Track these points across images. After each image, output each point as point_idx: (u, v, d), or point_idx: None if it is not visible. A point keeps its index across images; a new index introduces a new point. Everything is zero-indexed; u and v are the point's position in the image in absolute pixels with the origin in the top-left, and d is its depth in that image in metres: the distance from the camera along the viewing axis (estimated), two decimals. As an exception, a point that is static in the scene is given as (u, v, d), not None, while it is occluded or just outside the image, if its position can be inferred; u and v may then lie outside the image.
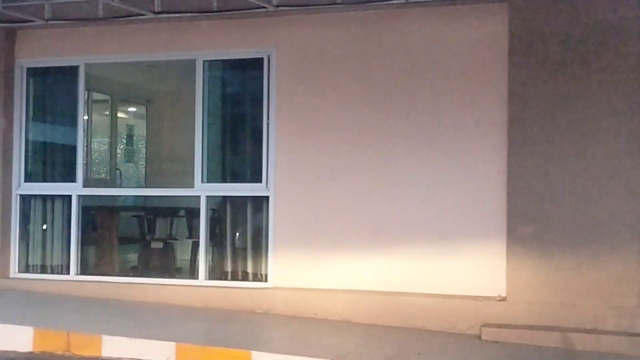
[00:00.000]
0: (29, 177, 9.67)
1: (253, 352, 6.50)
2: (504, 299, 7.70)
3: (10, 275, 9.47)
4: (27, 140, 9.67)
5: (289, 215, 8.58)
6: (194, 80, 9.04)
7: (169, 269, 9.91)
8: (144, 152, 13.20)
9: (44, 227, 9.59)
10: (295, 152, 8.60)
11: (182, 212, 10.31)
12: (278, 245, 8.60)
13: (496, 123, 7.86)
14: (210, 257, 8.99)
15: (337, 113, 8.45)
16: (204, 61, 8.96)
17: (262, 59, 8.73)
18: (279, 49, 8.66)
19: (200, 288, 8.81)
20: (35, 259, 9.59)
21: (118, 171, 12.26)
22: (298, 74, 8.63)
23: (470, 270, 7.89)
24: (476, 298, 7.80)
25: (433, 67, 8.14)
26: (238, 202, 9.01)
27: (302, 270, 8.48)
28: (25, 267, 9.58)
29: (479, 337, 7.47)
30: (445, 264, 7.98)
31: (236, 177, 9.28)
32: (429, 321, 7.81)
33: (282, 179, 8.63)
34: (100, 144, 11.91)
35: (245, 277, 8.84)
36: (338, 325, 7.92)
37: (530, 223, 7.59)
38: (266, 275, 8.67)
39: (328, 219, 8.44)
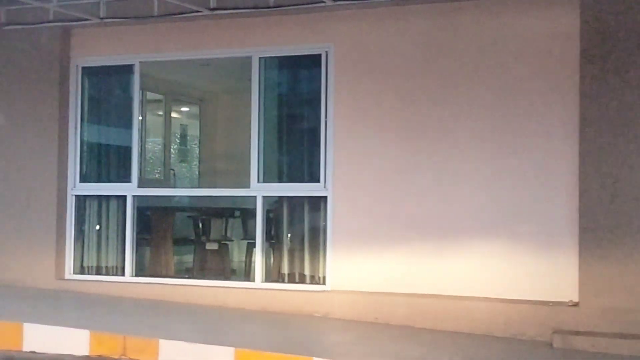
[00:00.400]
0: (84, 178, 9.57)
1: (315, 358, 6.24)
2: (576, 305, 7.32)
3: (66, 277, 9.38)
4: (82, 141, 9.57)
5: (347, 215, 8.32)
6: (250, 78, 8.84)
7: (224, 271, 9.74)
8: (197, 152, 13.09)
9: (98, 227, 9.48)
10: (354, 151, 8.33)
11: (237, 213, 10.13)
12: (336, 247, 8.33)
13: (566, 120, 7.49)
14: (267, 259, 8.77)
15: (398, 110, 8.16)
16: (260, 58, 8.76)
17: (319, 55, 8.48)
18: (338, 45, 8.41)
19: (256, 291, 8.60)
20: (90, 260, 9.49)
21: (172, 171, 12.16)
22: (357, 70, 8.36)
23: (539, 274, 7.52)
24: (546, 303, 7.43)
25: (499, 62, 7.80)
26: (295, 203, 8.77)
27: (361, 272, 8.20)
28: (81, 269, 9.47)
29: (550, 345, 7.10)
30: (513, 267, 7.63)
31: (293, 177, 9.03)
32: (496, 327, 7.46)
33: (340, 178, 8.37)
34: (154, 144, 11.81)
35: (302, 280, 8.60)
36: (400, 331, 7.62)
37: (604, 225, 7.18)
38: (324, 277, 8.42)
39: (388, 219, 8.15)
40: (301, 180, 8.84)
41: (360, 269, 8.21)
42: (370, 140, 8.26)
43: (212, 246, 9.87)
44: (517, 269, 7.60)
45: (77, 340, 6.84)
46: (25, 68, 9.51)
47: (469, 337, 7.41)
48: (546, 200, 7.57)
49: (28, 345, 6.97)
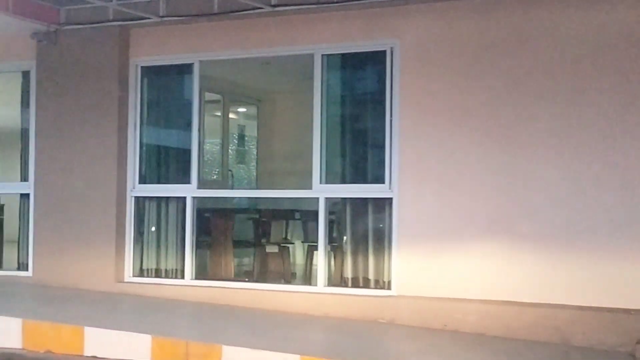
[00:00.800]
0: (143, 179, 9.43)
1: (385, 368, 5.98)
2: (660, 313, 6.90)
3: (125, 279, 9.25)
4: (141, 141, 9.43)
5: (413, 218, 8.00)
6: (310, 77, 8.59)
7: (285, 275, 9.50)
8: (254, 153, 12.91)
9: (157, 229, 9.32)
10: (421, 151, 8.01)
11: (297, 215, 9.88)
12: (402, 250, 8.02)
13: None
14: (329, 263, 8.50)
15: (466, 109, 7.81)
16: (323, 55, 8.49)
17: (384, 51, 8.18)
18: (403, 41, 8.09)
19: (318, 295, 8.33)
20: (149, 262, 9.34)
21: (229, 172, 11.98)
22: (424, 67, 8.03)
23: (621, 281, 7.10)
24: (628, 311, 7.00)
25: (580, 58, 7.37)
26: (358, 204, 8.47)
27: (429, 277, 7.87)
28: (140, 271, 9.33)
29: (633, 356, 6.69)
30: (591, 273, 7.21)
31: (357, 178, 8.73)
32: (573, 336, 7.07)
33: (406, 179, 8.05)
34: (212, 145, 11.65)
35: (366, 284, 8.30)
36: (471, 339, 7.28)
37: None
38: (389, 282, 8.11)
39: (457, 222, 7.81)
40: (365, 181, 8.56)
41: (427, 274, 7.89)
42: (438, 139, 7.93)
43: (272, 249, 9.65)
44: (597, 275, 7.18)
45: (139, 345, 6.66)
46: (85, 68, 9.40)
47: (545, 346, 7.03)
48: (632, 202, 7.14)
49: (89, 350, 6.83)
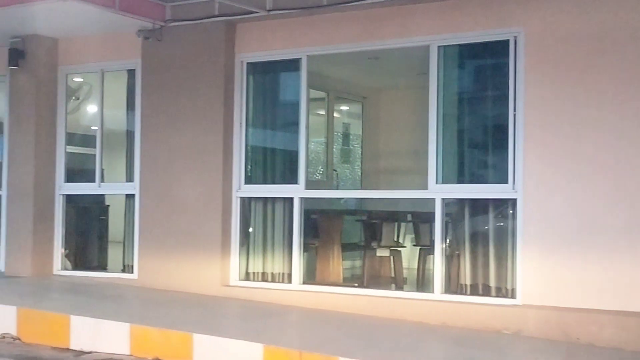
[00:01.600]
0: (249, 179, 9.10)
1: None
2: None
3: (231, 283, 8.93)
4: (247, 140, 9.10)
5: (541, 221, 7.37)
6: (423, 70, 8.09)
7: (397, 280, 9.02)
8: (359, 152, 12.45)
9: (263, 231, 8.97)
10: (548, 148, 7.38)
11: (409, 216, 9.36)
12: (528, 256, 7.41)
13: None
14: (447, 268, 7.95)
15: (599, 102, 7.15)
16: (439, 47, 7.96)
17: (507, 41, 7.61)
18: (528, 29, 7.48)
19: (435, 303, 7.80)
20: (255, 265, 9.00)
21: (335, 172, 11.57)
22: (551, 58, 7.40)
23: None
24: None
25: None
26: (478, 205, 7.90)
27: (558, 284, 7.24)
28: (246, 275, 9.01)
29: None
30: None
31: (476, 178, 8.16)
32: None
33: (532, 179, 7.43)
34: (316, 144, 11.26)
35: (487, 292, 7.72)
36: (607, 354, 6.60)
37: None
38: (514, 290, 7.51)
39: (590, 225, 7.15)
40: (486, 181, 7.99)
41: (556, 281, 7.25)
42: (567, 136, 7.29)
43: (383, 253, 9.16)
44: None
45: (251, 354, 6.30)
46: (190, 65, 9.15)
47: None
48: None
49: (198, 357, 6.52)
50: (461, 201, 8.00)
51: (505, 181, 7.58)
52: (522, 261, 7.43)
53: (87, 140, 10.63)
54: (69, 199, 10.20)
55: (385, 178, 11.48)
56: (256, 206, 9.08)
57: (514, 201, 7.54)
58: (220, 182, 8.93)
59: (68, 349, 7.01)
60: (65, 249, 10.13)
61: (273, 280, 8.85)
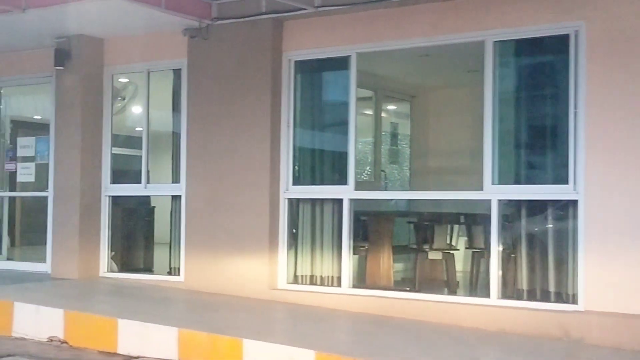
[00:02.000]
0: (297, 180, 8.90)
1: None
2: None
3: (279, 286, 8.74)
4: (294, 140, 8.89)
5: (604, 223, 7.04)
6: (477, 67, 7.82)
7: (450, 284, 8.74)
8: (407, 152, 12.18)
9: (311, 233, 8.76)
10: (611, 147, 7.05)
11: (462, 218, 9.07)
12: (591, 260, 7.08)
13: None
14: (503, 272, 7.65)
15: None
16: (495, 42, 7.66)
17: (567, 36, 7.30)
18: (590, 23, 7.16)
19: (491, 308, 7.51)
20: (304, 268, 8.79)
21: (382, 173, 11.31)
22: (614, 53, 7.08)
23: None
24: None
25: None
26: (535, 207, 7.61)
27: (623, 290, 6.90)
28: (294, 278, 8.80)
29: None
30: None
31: (534, 178, 7.83)
32: None
33: (594, 179, 7.11)
34: (364, 144, 11.01)
35: (546, 297, 7.41)
36: (679, 364, 6.27)
37: None
38: (574, 295, 7.19)
39: (658, 228, 6.81)
40: (544, 181, 7.66)
41: (621, 286, 6.92)
42: (632, 135, 6.96)
43: (435, 255, 8.89)
44: None
45: (303, 361, 6.09)
46: (236, 64, 8.99)
47: None
48: None
49: (248, 364, 6.34)
50: (517, 202, 7.70)
51: (566, 181, 7.26)
52: (584, 265, 7.11)
53: (133, 141, 10.54)
54: (115, 200, 10.11)
55: (435, 179, 11.18)
56: (304, 208, 8.87)
57: (574, 202, 7.22)
58: (267, 183, 8.74)
59: (116, 354, 6.88)
60: (111, 251, 10.04)
61: (322, 284, 8.62)
